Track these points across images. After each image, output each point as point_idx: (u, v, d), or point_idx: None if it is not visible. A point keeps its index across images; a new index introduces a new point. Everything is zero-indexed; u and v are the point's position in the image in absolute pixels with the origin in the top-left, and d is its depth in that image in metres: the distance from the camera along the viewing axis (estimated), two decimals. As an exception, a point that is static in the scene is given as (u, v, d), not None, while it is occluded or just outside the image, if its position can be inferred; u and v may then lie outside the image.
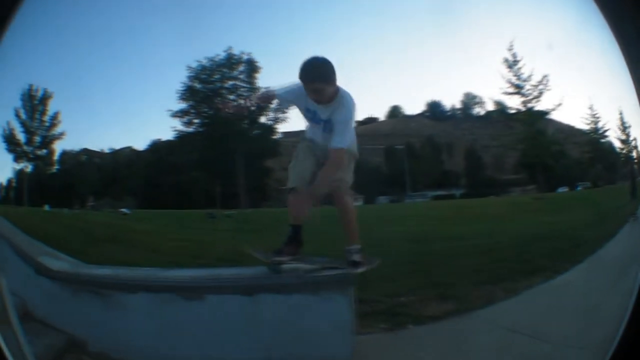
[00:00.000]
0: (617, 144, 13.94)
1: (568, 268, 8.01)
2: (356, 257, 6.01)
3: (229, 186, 18.76)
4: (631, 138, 12.70)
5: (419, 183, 22.61)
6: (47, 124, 17.88)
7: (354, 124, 6.07)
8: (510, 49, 15.66)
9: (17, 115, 18.31)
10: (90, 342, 5.64)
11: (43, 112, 18.12)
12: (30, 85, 18.11)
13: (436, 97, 24.33)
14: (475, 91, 22.59)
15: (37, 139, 18.90)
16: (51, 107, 18.06)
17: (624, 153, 14.27)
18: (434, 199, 20.99)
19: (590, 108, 14.29)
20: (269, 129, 20.68)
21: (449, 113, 24.93)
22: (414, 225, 13.59)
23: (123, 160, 18.85)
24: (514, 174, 20.43)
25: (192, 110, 19.36)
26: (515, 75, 16.36)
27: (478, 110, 23.30)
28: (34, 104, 18.78)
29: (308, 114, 6.25)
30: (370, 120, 30.72)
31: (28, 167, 19.62)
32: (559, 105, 15.63)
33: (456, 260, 8.99)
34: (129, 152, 18.86)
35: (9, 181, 20.30)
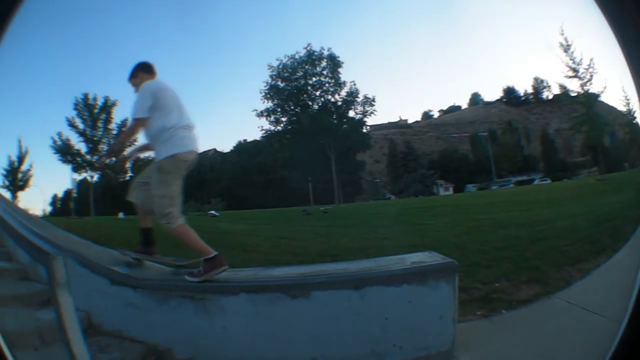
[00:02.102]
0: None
1: (622, 246, 7.82)
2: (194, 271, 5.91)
3: (321, 182, 18.37)
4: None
5: (502, 169, 23.31)
6: (114, 132, 17.77)
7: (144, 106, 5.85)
8: (562, 33, 17.40)
9: (73, 126, 18.29)
10: (176, 350, 5.29)
11: (107, 121, 18.05)
12: (86, 95, 18.14)
13: (510, 84, 26.64)
14: (542, 76, 24.97)
15: (103, 147, 19.41)
16: (117, 115, 18.03)
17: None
18: (516, 185, 21.95)
19: (623, 89, 15.20)
20: (358, 123, 20.38)
21: (522, 98, 26.90)
22: (501, 212, 14.01)
23: (207, 162, 18.40)
24: (581, 156, 21.73)
25: (278, 109, 19.18)
26: (570, 59, 17.30)
27: (547, 95, 25.35)
28: (94, 112, 18.75)
29: None
30: (454, 109, 30.80)
31: (94, 177, 19.72)
32: (605, 87, 16.64)
33: (540, 244, 9.04)
34: (213, 154, 18.54)
35: (67, 192, 20.48)
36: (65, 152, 17.94)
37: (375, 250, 9.75)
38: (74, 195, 19.01)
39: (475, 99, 28.92)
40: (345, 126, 20.38)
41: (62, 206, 18.39)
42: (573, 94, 18.70)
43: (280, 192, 18.17)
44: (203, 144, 18.57)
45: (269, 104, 19.61)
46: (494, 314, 6.30)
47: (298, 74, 19.65)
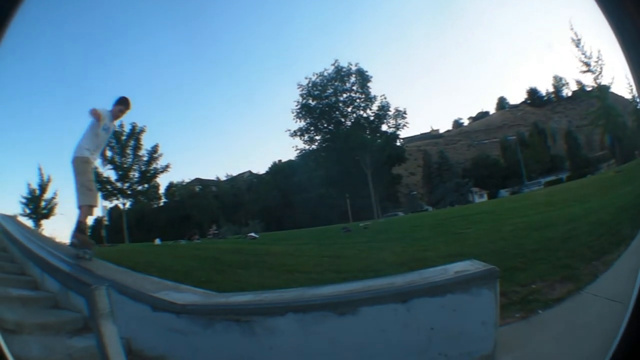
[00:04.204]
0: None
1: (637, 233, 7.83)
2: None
3: (359, 198, 18.18)
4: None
5: (532, 172, 23.02)
6: (145, 159, 17.80)
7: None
8: (571, 28, 16.45)
9: (101, 153, 18.44)
10: None
11: (137, 147, 18.06)
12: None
13: (532, 84, 26.66)
14: (560, 73, 24.41)
15: (134, 174, 19.45)
16: (146, 141, 18.07)
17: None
18: (546, 185, 21.56)
19: (626, 77, 13.97)
20: (392, 136, 20.22)
21: (545, 98, 26.35)
22: (534, 214, 13.91)
23: (243, 185, 18.45)
24: (600, 150, 20.88)
25: (311, 128, 19.09)
26: (582, 54, 16.80)
27: (566, 92, 24.87)
28: (121, 139, 18.85)
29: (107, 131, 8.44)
30: (483, 115, 30.64)
31: (126, 204, 19.78)
32: (614, 78, 16.32)
33: (570, 242, 9.22)
34: (248, 176, 18.55)
35: (98, 220, 20.55)
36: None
37: (417, 262, 9.68)
38: (106, 222, 19.10)
39: (501, 103, 28.93)
40: (379, 140, 20.20)
41: (92, 234, 18.50)
42: (588, 89, 18.81)
43: (319, 211, 18.19)
44: (237, 167, 18.69)
45: (301, 123, 19.51)
46: (531, 315, 6.49)
47: (328, 91, 19.63)
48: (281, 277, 9.83)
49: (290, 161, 18.82)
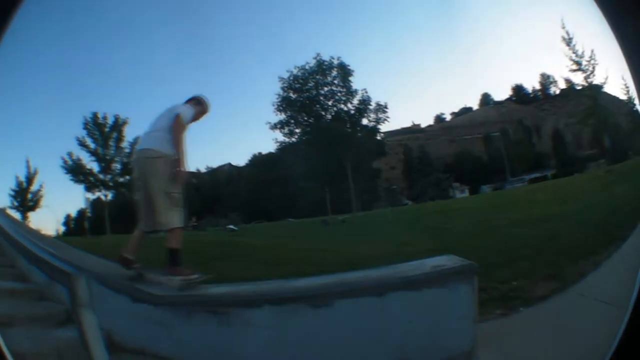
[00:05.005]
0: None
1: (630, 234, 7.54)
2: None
3: (338, 191, 18.34)
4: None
5: (516, 168, 23.10)
6: (127, 151, 17.84)
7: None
8: (563, 27, 16.34)
9: (83, 145, 18.33)
10: None
11: (119, 139, 18.08)
12: (95, 114, 18.20)
13: (518, 81, 26.36)
14: (548, 71, 24.10)
15: (116, 166, 19.32)
16: (128, 133, 18.08)
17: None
18: (530, 182, 21.52)
19: (622, 77, 13.10)
20: (372, 130, 20.34)
21: (531, 95, 26.21)
22: (517, 211, 14.05)
23: (223, 177, 18.73)
24: (590, 149, 21.00)
25: (292, 121, 19.19)
26: (573, 52, 16.79)
27: (554, 90, 24.61)
28: (104, 131, 18.87)
29: None
30: (466, 111, 30.68)
31: (108, 195, 19.85)
32: (607, 78, 16.22)
33: (555, 241, 9.35)
34: (228, 169, 18.57)
35: (81, 212, 20.59)
36: (77, 172, 17.92)
37: (396, 256, 9.55)
38: (89, 214, 19.07)
39: (486, 99, 28.88)
40: (359, 134, 20.37)
41: (76, 226, 18.38)
42: (578, 87, 18.46)
43: (298, 204, 18.11)
44: (217, 159, 18.70)
45: (282, 116, 19.62)
46: (513, 312, 6.58)
47: (309, 84, 19.71)
48: (259, 270, 9.76)
49: (270, 154, 18.78)
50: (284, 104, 19.17)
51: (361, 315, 5.14)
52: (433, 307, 5.13)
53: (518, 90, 26.36)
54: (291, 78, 19.44)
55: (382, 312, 5.12)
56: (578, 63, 16.79)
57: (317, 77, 19.35)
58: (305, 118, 19.31)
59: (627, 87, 13.79)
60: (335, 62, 19.38)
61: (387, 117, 19.97)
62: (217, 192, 17.53)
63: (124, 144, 17.99)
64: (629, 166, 15.68)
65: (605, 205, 11.39)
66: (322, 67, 19.14)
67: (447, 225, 13.70)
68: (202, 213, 17.09)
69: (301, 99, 19.26)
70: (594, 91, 17.26)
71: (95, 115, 17.63)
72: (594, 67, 16.52)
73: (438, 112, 31.27)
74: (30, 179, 18.19)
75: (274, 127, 19.34)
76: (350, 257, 10.46)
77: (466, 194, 24.32)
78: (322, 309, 5.13)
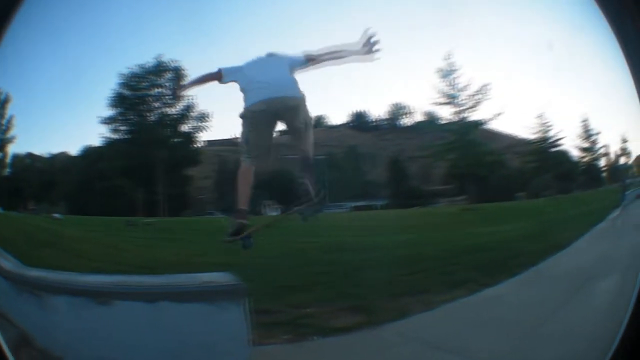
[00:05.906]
0: (576, 153, 15.37)
1: (500, 280, 8.28)
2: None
3: (150, 194, 19.24)
4: (599, 145, 14.40)
5: (339, 194, 20.70)
6: (3, 127, 18.26)
7: None
8: (447, 59, 16.21)
9: None
10: (37, 339, 5.82)
11: (2, 116, 18.39)
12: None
13: (362, 108, 25.48)
14: (405, 101, 23.46)
15: None
16: (9, 111, 18.42)
17: (584, 161, 15.72)
18: (353, 209, 20.76)
19: (540, 117, 15.49)
20: (190, 137, 21.68)
21: (373, 124, 25.46)
22: (328, 236, 13.77)
23: (59, 165, 19.33)
24: (443, 184, 20.57)
25: (120, 117, 20.09)
26: (449, 85, 16.81)
27: (406, 121, 23.88)
28: None
29: None
30: None
31: None
32: (499, 114, 16.14)
33: (371, 272, 8.93)
34: (64, 157, 19.34)
35: None
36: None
37: (187, 266, 10.35)
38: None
39: (318, 121, 27.93)
40: (177, 139, 21.42)
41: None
42: (443, 122, 18.19)
43: (115, 200, 18.80)
44: (56, 146, 19.04)
45: (112, 112, 19.86)
46: (305, 339, 6.75)
47: (144, 83, 20.19)
48: (70, 260, 10.30)
49: (99, 147, 19.72)
50: (117, 100, 19.73)
51: (136, 319, 5.67)
52: (203, 322, 5.56)
53: (358, 117, 25.90)
54: (130, 75, 19.54)
55: (155, 319, 5.59)
56: (453, 97, 16.56)
57: (152, 77, 20.13)
58: (132, 117, 20.46)
59: (546, 125, 15.35)
60: (173, 64, 19.75)
61: (208, 126, 20.51)
62: (52, 178, 18.25)
63: (4, 121, 18.26)
64: (509, 207, 16.09)
65: (453, 244, 11.66)
66: (159, 68, 19.72)
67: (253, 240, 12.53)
68: (40, 199, 17.62)
69: (133, 97, 20.16)
70: (465, 127, 16.97)
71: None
72: (477, 102, 16.26)
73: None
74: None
75: (103, 122, 19.46)
76: (148, 261, 11.00)
77: (278, 212, 24.03)
78: (104, 307, 5.74)
